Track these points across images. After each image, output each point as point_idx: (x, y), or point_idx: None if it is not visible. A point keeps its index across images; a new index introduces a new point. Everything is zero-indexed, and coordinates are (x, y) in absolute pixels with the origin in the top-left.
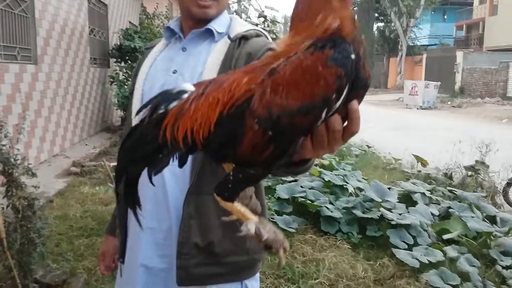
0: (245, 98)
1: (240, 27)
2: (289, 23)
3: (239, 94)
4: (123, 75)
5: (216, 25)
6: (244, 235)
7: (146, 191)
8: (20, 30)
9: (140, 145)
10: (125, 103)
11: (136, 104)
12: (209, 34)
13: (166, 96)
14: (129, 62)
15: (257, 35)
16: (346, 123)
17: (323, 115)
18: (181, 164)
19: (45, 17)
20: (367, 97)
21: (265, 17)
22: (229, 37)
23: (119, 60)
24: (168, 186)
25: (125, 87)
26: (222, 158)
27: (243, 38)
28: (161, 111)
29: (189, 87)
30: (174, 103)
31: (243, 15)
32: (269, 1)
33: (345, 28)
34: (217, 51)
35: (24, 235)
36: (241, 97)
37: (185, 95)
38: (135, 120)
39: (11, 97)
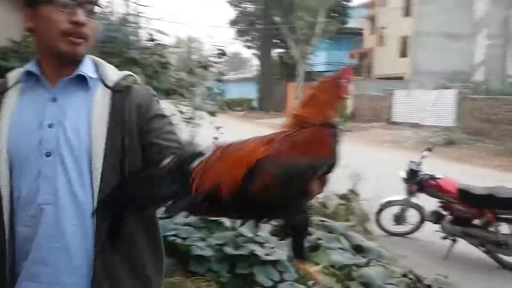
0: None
1: (113, 73)
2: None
3: (259, 158)
4: None
5: (86, 70)
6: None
7: (45, 254)
8: None
9: (156, 186)
10: None
11: (3, 168)
12: (80, 80)
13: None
14: None
15: (134, 82)
16: None
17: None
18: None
19: None
20: (266, 121)
21: (153, 40)
22: (106, 85)
23: None
24: (71, 245)
25: None
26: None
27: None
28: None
29: (207, 149)
30: (201, 159)
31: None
32: (160, 25)
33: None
34: (99, 103)
35: None
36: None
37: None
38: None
39: None
